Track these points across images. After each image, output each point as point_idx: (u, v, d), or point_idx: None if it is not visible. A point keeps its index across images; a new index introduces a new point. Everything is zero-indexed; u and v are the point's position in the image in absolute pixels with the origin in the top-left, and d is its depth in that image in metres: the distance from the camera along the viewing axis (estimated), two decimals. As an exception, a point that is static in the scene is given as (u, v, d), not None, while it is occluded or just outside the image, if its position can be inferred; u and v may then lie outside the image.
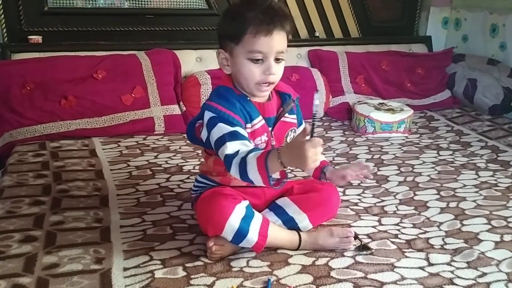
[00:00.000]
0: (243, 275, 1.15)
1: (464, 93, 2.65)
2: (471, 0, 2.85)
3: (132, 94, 2.15)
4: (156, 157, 1.90)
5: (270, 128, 1.27)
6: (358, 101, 2.41)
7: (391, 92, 2.61)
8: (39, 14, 2.30)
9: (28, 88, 2.03)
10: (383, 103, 2.38)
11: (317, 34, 2.78)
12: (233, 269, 1.18)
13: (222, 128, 1.16)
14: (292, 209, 1.31)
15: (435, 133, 2.30)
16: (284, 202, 1.33)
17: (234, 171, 1.13)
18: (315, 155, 1.03)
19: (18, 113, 1.99)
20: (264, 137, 1.26)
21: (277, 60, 1.19)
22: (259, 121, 1.24)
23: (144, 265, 1.17)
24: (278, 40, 1.16)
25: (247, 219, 1.18)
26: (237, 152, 1.13)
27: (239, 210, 1.18)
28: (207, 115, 1.20)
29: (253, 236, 1.18)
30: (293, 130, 1.34)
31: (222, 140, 1.15)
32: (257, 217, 1.22)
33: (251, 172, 1.09)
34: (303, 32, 2.77)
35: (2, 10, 2.23)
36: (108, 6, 2.40)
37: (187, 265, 1.18)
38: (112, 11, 2.42)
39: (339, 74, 2.56)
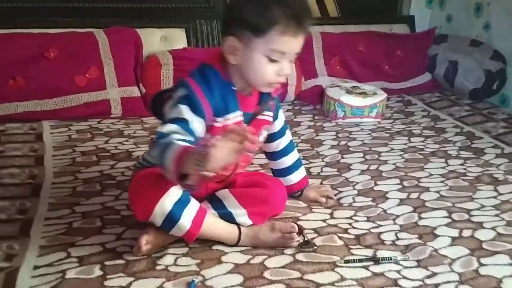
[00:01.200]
0: (166, 275, 1.05)
1: (444, 76, 2.52)
2: (456, -22, 2.70)
3: (87, 75, 2.02)
4: (106, 142, 1.78)
5: (245, 124, 1.15)
6: (332, 84, 2.28)
7: (368, 75, 2.47)
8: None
9: (-26, 67, 1.90)
10: (357, 86, 2.25)
11: (292, 13, 2.63)
12: (157, 268, 1.07)
13: (182, 111, 1.05)
14: (231, 203, 1.19)
15: (410, 118, 2.18)
16: (224, 195, 1.21)
17: (155, 151, 1.02)
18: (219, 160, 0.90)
19: (-39, 94, 1.87)
20: None
21: (290, 61, 1.11)
22: (235, 116, 1.14)
23: (57, 263, 1.07)
24: (301, 42, 1.08)
25: (181, 204, 1.07)
26: (170, 134, 1.02)
27: (174, 193, 1.06)
28: (180, 92, 1.09)
29: (185, 222, 1.07)
30: (266, 128, 1.26)
31: (171, 120, 1.05)
32: (193, 204, 1.10)
33: (168, 158, 0.96)
34: (277, 11, 2.62)
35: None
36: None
37: (106, 263, 1.08)
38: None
39: (312, 56, 2.42)
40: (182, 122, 1.04)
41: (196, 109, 1.06)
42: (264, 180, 1.27)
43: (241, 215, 1.19)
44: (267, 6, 1.04)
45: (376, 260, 1.13)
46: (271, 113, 1.26)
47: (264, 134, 1.27)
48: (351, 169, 1.64)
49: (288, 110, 2.22)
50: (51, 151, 1.67)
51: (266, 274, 1.06)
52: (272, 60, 1.07)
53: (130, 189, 1.17)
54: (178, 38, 2.35)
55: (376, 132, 1.99)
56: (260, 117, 1.22)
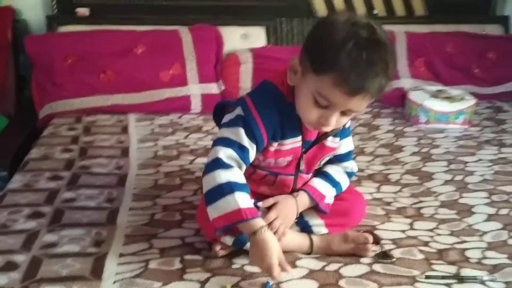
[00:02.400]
0: (241, 274, 1.06)
1: (542, 82, 2.32)
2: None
3: (170, 71, 2.10)
4: (186, 137, 1.84)
5: (302, 150, 1.11)
6: (415, 87, 2.19)
7: (455, 78, 2.33)
8: (88, -13, 2.30)
9: (70, 61, 2.04)
10: (443, 90, 2.13)
11: (375, 12, 2.55)
12: (233, 266, 1.09)
13: (238, 134, 1.01)
14: (309, 212, 1.18)
15: (501, 126, 2.03)
16: None
17: (206, 180, 1.01)
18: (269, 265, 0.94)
19: (58, 85, 2.01)
20: (289, 158, 1.11)
21: (344, 114, 0.98)
22: (293, 142, 1.08)
23: (141, 253, 1.12)
24: (358, 101, 0.93)
25: None
26: (229, 167, 1.00)
27: None
28: (238, 111, 1.04)
29: None
30: (330, 155, 1.17)
31: (228, 143, 1.02)
32: None
33: (216, 204, 0.98)
34: (360, 10, 2.56)
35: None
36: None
37: (186, 257, 1.11)
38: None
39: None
40: (240, 149, 1.01)
41: (250, 134, 1.01)
42: (345, 192, 1.23)
43: (317, 225, 1.17)
44: (336, 48, 0.89)
45: (460, 279, 1.06)
46: (337, 140, 1.15)
47: (327, 158, 1.18)
48: (433, 179, 1.56)
49: (366, 113, 2.16)
50: (135, 144, 1.76)
51: (342, 283, 1.04)
52: (318, 104, 0.95)
53: (197, 214, 1.17)
54: (258, 36, 2.36)
55: (462, 140, 1.88)
56: (324, 142, 1.12)
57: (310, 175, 1.20)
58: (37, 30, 2.25)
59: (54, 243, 1.14)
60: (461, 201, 1.42)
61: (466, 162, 1.68)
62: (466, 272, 1.09)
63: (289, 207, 1.13)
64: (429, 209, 1.37)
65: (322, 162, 1.19)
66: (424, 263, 1.12)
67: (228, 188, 0.98)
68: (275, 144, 1.07)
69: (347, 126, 1.18)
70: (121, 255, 1.11)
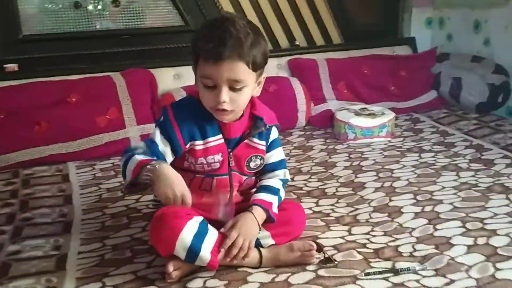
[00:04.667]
0: (197, 297, 1.10)
1: (450, 92, 2.59)
2: (452, -2, 2.80)
3: (107, 116, 2.13)
4: (129, 178, 1.86)
5: (229, 150, 1.24)
6: (340, 108, 2.36)
7: (375, 96, 2.55)
8: (15, 42, 2.30)
9: (1, 116, 2.02)
10: (365, 108, 2.33)
11: (297, 43, 2.75)
12: (188, 291, 1.13)
13: (155, 134, 1.20)
14: None
15: (420, 135, 2.24)
16: None
17: (121, 161, 1.19)
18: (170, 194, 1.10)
19: (-10, 142, 1.98)
20: (218, 157, 1.23)
21: (233, 89, 1.15)
22: (215, 140, 1.23)
23: (94, 293, 1.13)
24: (227, 68, 1.12)
25: (199, 236, 1.14)
26: (136, 148, 1.20)
27: (191, 226, 1.14)
28: (161, 118, 1.23)
29: (206, 254, 1.14)
30: (258, 157, 1.30)
31: (147, 139, 1.22)
32: (211, 234, 1.17)
33: (126, 173, 1.15)
34: (283, 42, 2.74)
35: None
36: (83, 30, 2.40)
37: (140, 290, 1.14)
38: (87, 34, 2.42)
39: (319, 82, 2.51)
40: (152, 143, 1.20)
41: (166, 135, 1.19)
42: (283, 204, 1.33)
43: (264, 237, 1.25)
44: (196, 37, 1.17)
45: (395, 271, 1.17)
46: (263, 143, 1.29)
47: (256, 162, 1.30)
48: (365, 187, 1.69)
49: (299, 136, 2.30)
50: (78, 190, 1.76)
51: (291, 291, 1.11)
52: (207, 87, 1.14)
53: (150, 227, 1.22)
54: (190, 75, 2.45)
55: (387, 151, 2.05)
56: (249, 143, 1.27)
57: (245, 177, 1.30)
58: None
59: (4, 296, 1.13)
60: (391, 204, 1.56)
61: (393, 170, 1.84)
62: (400, 265, 1.20)
63: (248, 222, 1.21)
64: (363, 215, 1.50)
65: (252, 164, 1.28)
66: (363, 262, 1.22)
67: (130, 157, 1.16)
68: (200, 143, 1.21)
69: (275, 137, 1.33)
70: (74, 298, 1.12)
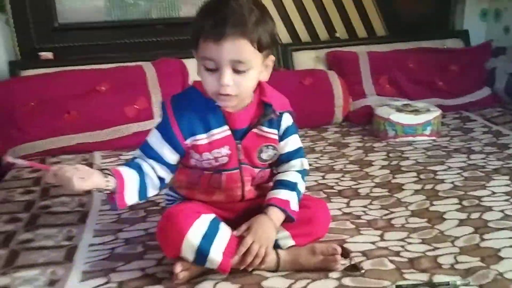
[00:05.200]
0: (205, 300, 1.01)
1: (506, 89, 2.36)
2: (511, -13, 2.56)
3: (135, 106, 2.08)
4: (153, 170, 1.80)
5: (237, 141, 1.12)
6: (381, 104, 2.20)
7: (420, 92, 2.36)
8: (50, 31, 2.30)
9: (32, 104, 2.01)
10: (408, 104, 2.15)
11: (337, 35, 2.60)
12: (196, 293, 1.03)
13: (151, 136, 1.12)
14: None
15: (469, 135, 2.04)
16: None
17: None
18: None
19: (21, 130, 1.97)
20: (226, 150, 1.11)
21: (237, 71, 1.03)
22: (220, 132, 1.11)
23: (97, 289, 1.06)
24: (230, 47, 1.00)
25: (208, 237, 1.04)
26: (135, 157, 1.13)
27: (199, 225, 1.04)
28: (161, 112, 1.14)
29: (216, 256, 1.03)
30: (270, 147, 1.16)
31: (144, 142, 1.13)
32: (223, 234, 1.07)
33: None
34: (322, 34, 2.60)
35: (14, 29, 2.25)
36: (117, 19, 2.37)
37: (145, 288, 1.05)
38: (121, 23, 2.38)
39: (359, 76, 2.36)
40: (145, 148, 1.12)
41: (164, 133, 1.10)
42: (305, 200, 1.20)
43: (283, 237, 1.13)
44: (196, 17, 1.06)
45: (432, 286, 1.02)
46: (275, 131, 1.16)
47: (269, 153, 1.17)
48: (403, 189, 1.54)
49: (335, 132, 2.16)
50: (100, 180, 1.71)
51: (310, 300, 0.99)
52: (208, 69, 1.03)
53: (157, 231, 1.12)
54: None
55: (431, 151, 1.87)
56: (258, 132, 1.14)
57: (258, 170, 1.17)
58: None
59: (5, 286, 1.08)
60: (431, 208, 1.40)
61: (436, 171, 1.66)
62: (438, 278, 1.05)
63: (263, 225, 1.09)
64: (399, 219, 1.35)
65: (263, 155, 1.16)
66: (395, 273, 1.08)
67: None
68: (203, 137, 1.10)
69: (288, 123, 1.18)
70: (76, 292, 1.05)
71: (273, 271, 1.10)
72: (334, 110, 2.23)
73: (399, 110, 2.06)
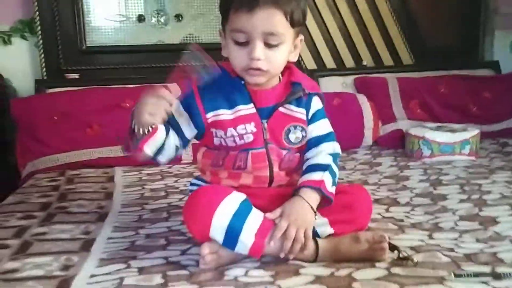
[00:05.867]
0: (235, 284, 0.88)
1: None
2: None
3: (160, 123, 2.03)
4: (176, 181, 1.71)
5: (263, 120, 1.05)
6: (413, 126, 2.11)
7: (453, 116, 2.25)
8: (78, 53, 2.32)
9: (55, 118, 1.98)
10: (443, 125, 2.05)
11: (364, 63, 2.57)
12: (225, 278, 0.91)
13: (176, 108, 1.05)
14: None
15: (510, 157, 1.92)
16: None
17: None
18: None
19: (41, 142, 1.92)
20: (251, 127, 1.04)
21: (269, 45, 0.99)
22: (246, 108, 1.05)
23: (116, 273, 0.95)
24: (263, 17, 0.96)
25: (240, 215, 0.94)
26: None
27: (229, 202, 0.95)
28: None
29: (248, 236, 0.92)
30: (299, 128, 1.09)
31: None
32: (256, 214, 0.96)
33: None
34: (349, 62, 2.57)
35: (42, 50, 2.27)
36: (144, 43, 2.39)
37: (169, 273, 0.94)
38: (148, 47, 2.39)
39: (389, 99, 2.29)
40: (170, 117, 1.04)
41: (185, 103, 1.05)
42: (345, 186, 1.10)
43: (321, 224, 1.02)
44: None
45: (496, 276, 0.89)
46: (302, 111, 1.09)
47: (296, 134, 1.09)
48: (447, 199, 1.41)
49: (365, 154, 2.06)
50: (121, 189, 1.63)
51: (356, 285, 0.86)
52: (238, 43, 0.99)
53: (184, 209, 1.04)
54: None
55: (472, 168, 1.75)
56: (285, 111, 1.07)
57: (285, 151, 1.08)
58: (25, 95, 2.23)
59: (16, 269, 0.98)
60: (482, 214, 1.27)
61: (481, 184, 1.54)
62: (502, 270, 0.91)
63: (296, 207, 0.99)
64: (447, 223, 1.22)
65: (291, 136, 1.08)
66: (452, 264, 0.95)
67: None
68: (227, 112, 1.04)
69: (318, 107, 1.11)
70: (92, 275, 0.94)
71: (311, 262, 0.97)
72: (363, 132, 2.15)
73: (433, 129, 1.96)
